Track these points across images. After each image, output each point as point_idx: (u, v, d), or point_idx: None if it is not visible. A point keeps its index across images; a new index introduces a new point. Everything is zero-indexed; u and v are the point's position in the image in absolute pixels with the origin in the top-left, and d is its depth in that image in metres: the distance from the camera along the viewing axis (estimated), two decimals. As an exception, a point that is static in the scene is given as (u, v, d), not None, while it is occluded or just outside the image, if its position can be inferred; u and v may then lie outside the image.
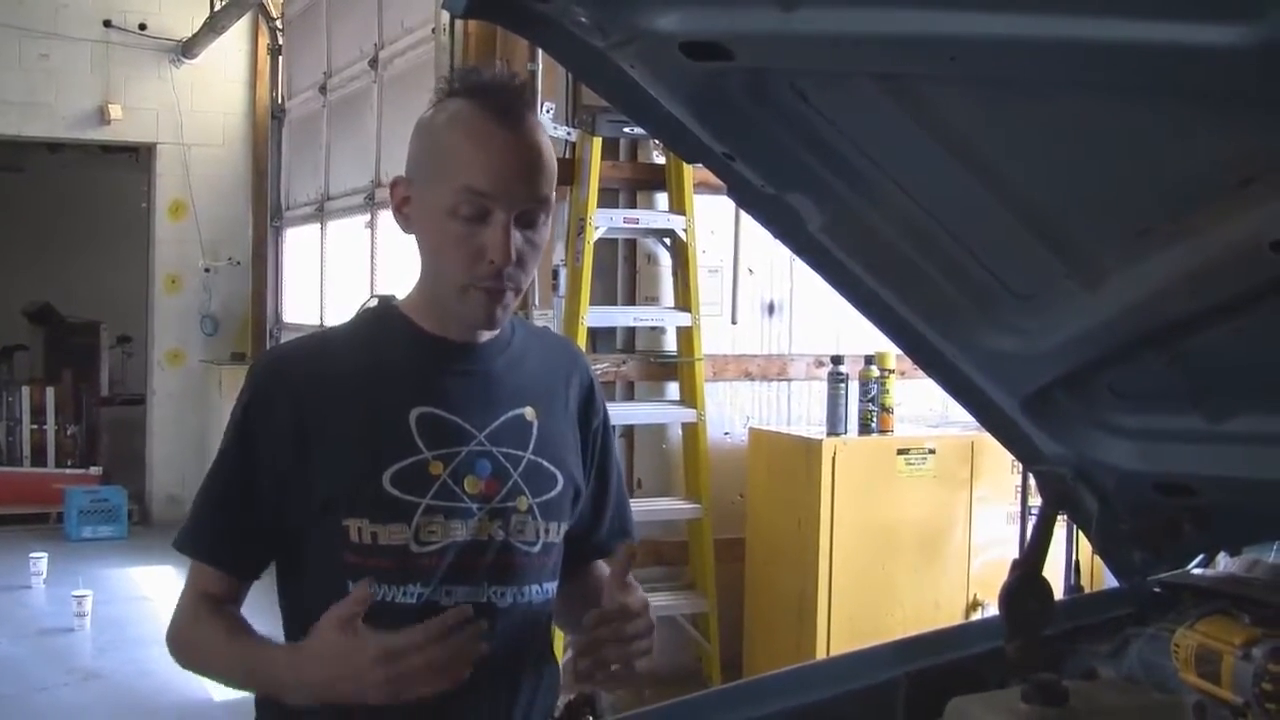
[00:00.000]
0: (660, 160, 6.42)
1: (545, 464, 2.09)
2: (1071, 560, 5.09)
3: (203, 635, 2.02)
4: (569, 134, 6.13)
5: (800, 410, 6.83)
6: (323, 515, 1.97)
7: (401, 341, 2.05)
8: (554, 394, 2.16)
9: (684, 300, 6.36)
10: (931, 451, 6.09)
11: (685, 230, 6.28)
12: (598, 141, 6.06)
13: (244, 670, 2.00)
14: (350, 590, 1.95)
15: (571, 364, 2.24)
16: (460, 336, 2.04)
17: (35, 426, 11.59)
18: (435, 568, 1.98)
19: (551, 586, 2.13)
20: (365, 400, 2.00)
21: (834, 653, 5.33)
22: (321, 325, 9.26)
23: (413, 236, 2.02)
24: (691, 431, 6.40)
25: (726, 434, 6.65)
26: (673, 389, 6.53)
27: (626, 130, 6.15)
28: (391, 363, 2.04)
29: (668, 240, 6.44)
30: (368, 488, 1.95)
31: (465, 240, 1.92)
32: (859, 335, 5.55)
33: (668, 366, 6.51)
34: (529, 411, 2.09)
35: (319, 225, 9.89)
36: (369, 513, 1.96)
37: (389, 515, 1.96)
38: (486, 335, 2.06)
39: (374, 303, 2.14)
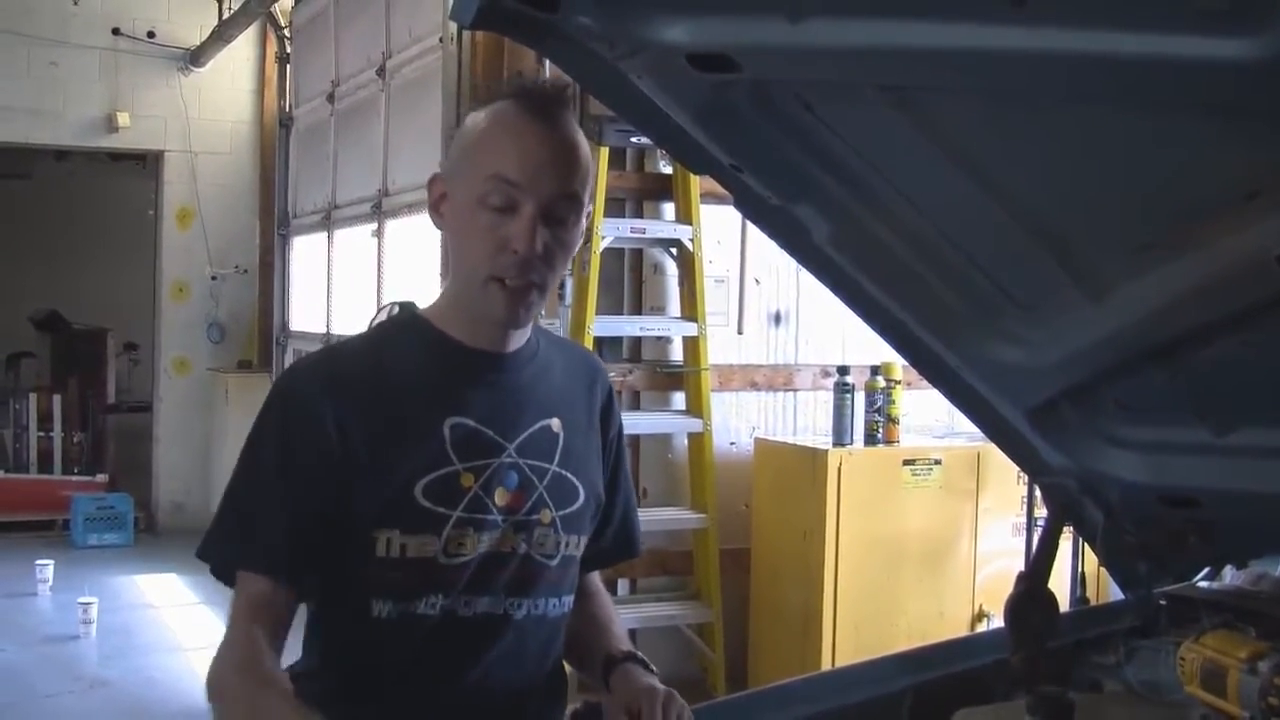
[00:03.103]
0: (667, 170, 6.42)
1: (569, 476, 2.08)
2: (1077, 572, 5.10)
3: (239, 689, 1.91)
4: (576, 143, 6.13)
5: (806, 420, 6.83)
6: (354, 527, 1.95)
7: (431, 353, 2.03)
8: (577, 405, 2.15)
9: (690, 310, 6.36)
10: (937, 462, 6.08)
11: (692, 240, 6.29)
12: (604, 151, 6.06)
13: None
14: (374, 610, 1.95)
15: (593, 375, 2.24)
16: (489, 345, 2.03)
17: (42, 433, 11.58)
18: (458, 579, 1.97)
19: (569, 600, 2.13)
20: (397, 411, 1.98)
21: (839, 664, 5.32)
22: (328, 334, 9.27)
23: (445, 237, 2.03)
24: (697, 441, 6.40)
25: (732, 444, 6.65)
26: (678, 399, 6.53)
27: (633, 140, 6.16)
28: (421, 375, 2.03)
29: (674, 250, 6.44)
30: (400, 499, 1.94)
31: (491, 231, 1.91)
32: (865, 346, 5.57)
33: (674, 376, 6.51)
34: (555, 423, 2.08)
35: (326, 234, 9.89)
36: (400, 524, 1.94)
37: (419, 526, 1.94)
38: (514, 344, 2.05)
39: (395, 310, 2.13)
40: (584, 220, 2.01)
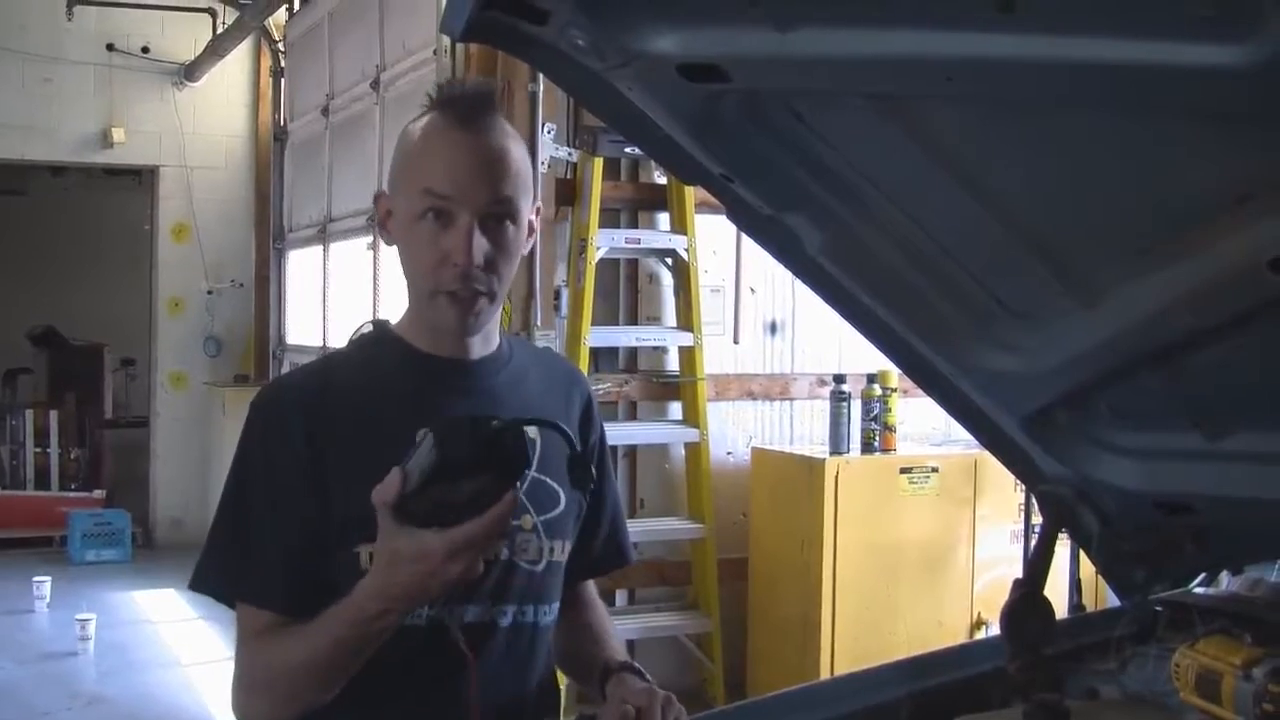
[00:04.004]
0: (662, 180, 6.44)
1: (549, 482, 2.08)
2: (1074, 579, 5.09)
3: (276, 650, 1.93)
4: (570, 154, 6.15)
5: (803, 429, 6.83)
6: (337, 544, 1.94)
7: (400, 364, 2.04)
8: (555, 412, 2.14)
9: (686, 320, 6.37)
10: (934, 470, 6.09)
11: (687, 250, 6.29)
12: (599, 162, 6.07)
13: (331, 638, 1.86)
14: None
15: (571, 383, 2.25)
16: (455, 353, 2.04)
17: (39, 449, 11.59)
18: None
19: (556, 607, 2.12)
20: (370, 425, 1.99)
21: (837, 672, 5.31)
22: (324, 347, 9.28)
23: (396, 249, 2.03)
24: (694, 451, 6.40)
25: (729, 453, 6.65)
26: (675, 409, 6.54)
27: (627, 150, 6.17)
28: (392, 386, 2.03)
29: (669, 260, 6.45)
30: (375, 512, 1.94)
31: (430, 245, 1.92)
32: (861, 354, 5.58)
33: (670, 386, 6.51)
34: (531, 430, 2.08)
35: (321, 247, 9.90)
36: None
37: None
38: (480, 352, 2.06)
39: (368, 328, 2.14)
40: (528, 221, 2.01)
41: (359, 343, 2.12)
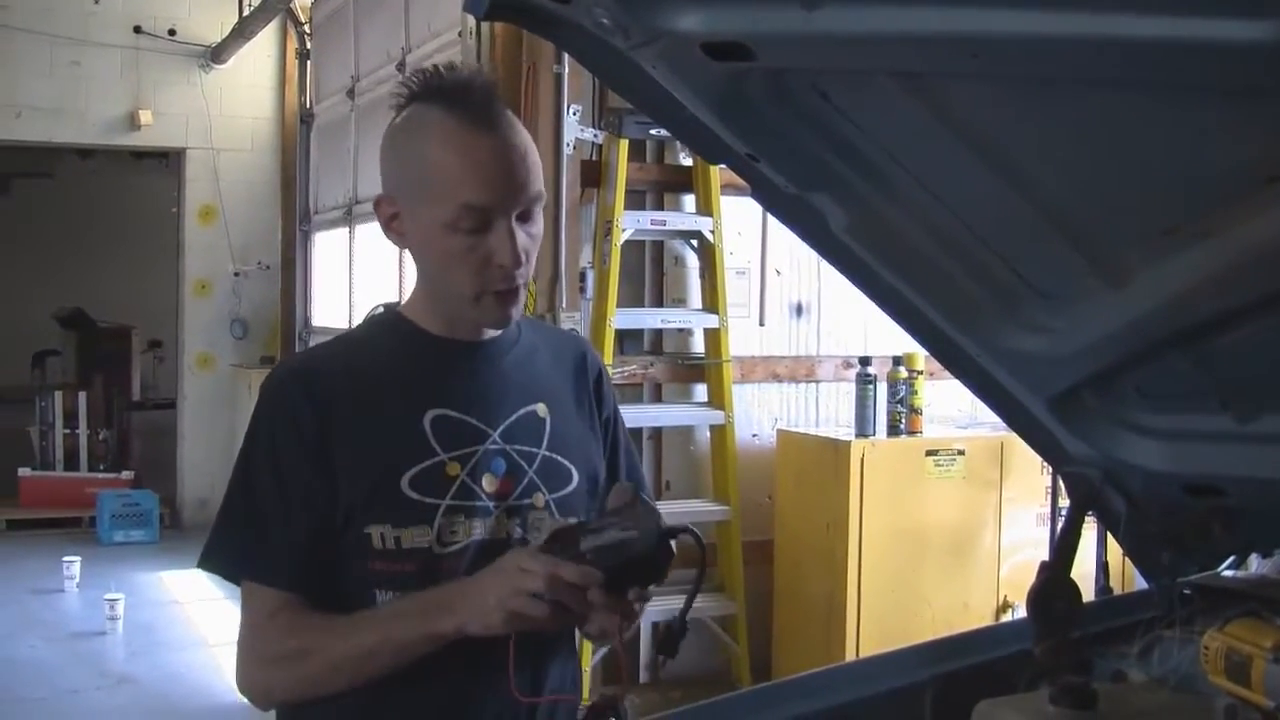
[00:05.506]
0: (687, 162, 6.42)
1: (560, 459, 2.10)
2: (1101, 561, 5.07)
3: (317, 636, 1.96)
4: (595, 136, 6.13)
5: (828, 412, 6.82)
6: (347, 524, 1.96)
7: (410, 346, 2.06)
8: (565, 389, 2.17)
9: (711, 302, 6.35)
10: (961, 452, 6.07)
11: (712, 232, 6.28)
12: (624, 143, 6.06)
13: (379, 635, 1.91)
14: (378, 600, 1.96)
15: (580, 357, 2.26)
16: (467, 336, 2.06)
17: (68, 431, 11.66)
18: (456, 568, 1.98)
19: None
20: (379, 406, 2.01)
21: (863, 655, 5.31)
22: (350, 328, 9.30)
23: (408, 250, 2.05)
24: (719, 433, 6.39)
25: (754, 436, 6.64)
26: (700, 391, 6.53)
27: (653, 132, 6.15)
28: (402, 367, 2.05)
29: (695, 242, 6.44)
30: (387, 493, 1.95)
31: (471, 251, 1.93)
32: (887, 336, 5.55)
33: (695, 368, 6.50)
34: (541, 408, 2.10)
35: (347, 229, 9.93)
36: (390, 517, 1.96)
37: (410, 518, 1.96)
38: (490, 333, 2.07)
39: (380, 311, 2.16)
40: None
41: (371, 325, 2.14)
